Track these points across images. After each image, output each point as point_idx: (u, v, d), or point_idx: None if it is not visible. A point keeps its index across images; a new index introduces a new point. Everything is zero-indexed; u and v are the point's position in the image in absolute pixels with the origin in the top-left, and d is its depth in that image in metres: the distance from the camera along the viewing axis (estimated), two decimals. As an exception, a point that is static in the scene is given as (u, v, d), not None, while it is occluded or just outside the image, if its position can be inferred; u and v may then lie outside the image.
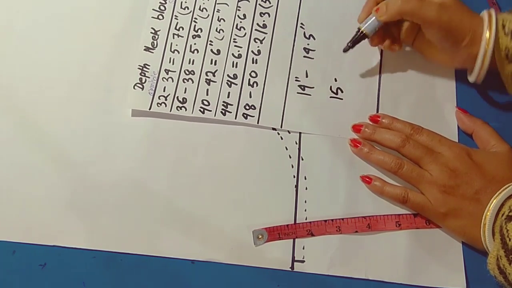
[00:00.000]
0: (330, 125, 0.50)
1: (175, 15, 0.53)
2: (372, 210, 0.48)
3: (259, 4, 0.54)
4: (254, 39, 0.53)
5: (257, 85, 0.51)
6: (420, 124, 0.49)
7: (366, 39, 0.50)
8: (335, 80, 0.52)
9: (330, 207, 0.48)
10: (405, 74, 0.53)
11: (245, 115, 0.50)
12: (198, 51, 0.52)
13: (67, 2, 0.53)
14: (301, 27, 0.54)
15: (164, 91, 0.50)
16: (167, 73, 0.51)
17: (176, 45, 0.52)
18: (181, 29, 0.53)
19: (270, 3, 0.54)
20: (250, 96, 0.51)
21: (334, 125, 0.50)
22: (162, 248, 0.45)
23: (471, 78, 0.49)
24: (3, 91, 0.49)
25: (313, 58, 0.53)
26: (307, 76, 0.52)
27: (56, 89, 0.50)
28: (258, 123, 0.50)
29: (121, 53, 0.51)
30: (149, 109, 0.49)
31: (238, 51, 0.52)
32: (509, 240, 0.40)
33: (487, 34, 0.46)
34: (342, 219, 0.47)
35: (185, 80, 0.51)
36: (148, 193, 0.47)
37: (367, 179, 0.48)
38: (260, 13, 0.54)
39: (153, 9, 0.53)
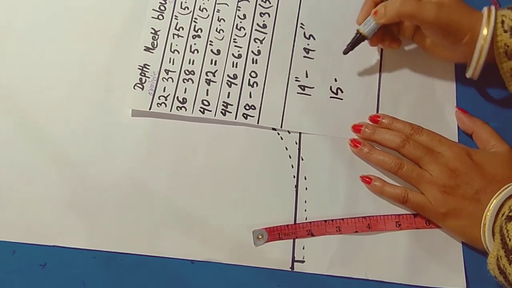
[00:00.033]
0: (330, 125, 0.50)
1: (175, 15, 0.53)
2: (372, 210, 0.48)
3: (259, 4, 0.54)
4: (254, 39, 0.53)
5: (257, 85, 0.51)
6: (420, 124, 0.49)
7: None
8: (335, 80, 0.52)
9: (330, 207, 0.48)
10: (405, 74, 0.53)
11: (245, 115, 0.50)
12: (198, 51, 0.52)
13: (68, 2, 0.53)
14: (301, 27, 0.54)
15: (164, 91, 0.50)
16: (167, 73, 0.51)
17: (176, 45, 0.52)
18: (181, 29, 0.53)
19: (270, 3, 0.54)
20: (250, 96, 0.51)
21: (334, 125, 0.50)
22: (162, 248, 0.45)
23: (468, 74, 0.49)
24: (3, 91, 0.49)
25: (313, 58, 0.53)
26: (307, 76, 0.52)
27: (56, 89, 0.50)
28: (258, 123, 0.50)
29: (121, 53, 0.51)
30: (149, 109, 0.49)
31: (238, 51, 0.52)
32: (509, 240, 0.40)
33: (485, 31, 0.46)
34: (342, 219, 0.47)
35: (185, 80, 0.51)
36: (148, 193, 0.47)
37: (367, 179, 0.48)
38: (260, 13, 0.54)
39: (153, 9, 0.53)
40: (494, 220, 0.43)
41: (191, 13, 0.53)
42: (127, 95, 0.50)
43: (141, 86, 0.50)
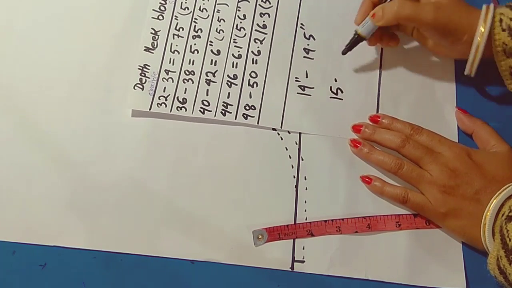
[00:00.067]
0: (330, 125, 0.50)
1: (175, 16, 0.53)
2: (372, 210, 0.48)
3: (259, 5, 0.54)
4: (254, 40, 0.53)
5: (257, 85, 0.51)
6: (420, 124, 0.49)
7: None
8: (335, 80, 0.52)
9: (330, 207, 0.48)
10: (405, 74, 0.53)
11: (245, 116, 0.50)
12: (198, 52, 0.52)
13: (68, 2, 0.53)
14: (301, 27, 0.54)
15: (164, 91, 0.50)
16: (167, 74, 0.51)
17: (176, 45, 0.52)
18: (181, 29, 0.53)
19: (270, 3, 0.54)
20: (250, 97, 0.51)
21: (334, 125, 0.50)
22: (162, 248, 0.45)
23: (465, 71, 0.49)
24: (3, 91, 0.49)
25: (313, 59, 0.53)
26: (307, 76, 0.52)
27: (56, 89, 0.50)
28: (258, 123, 0.50)
29: (121, 53, 0.51)
30: (149, 109, 0.49)
31: (238, 51, 0.52)
32: (509, 240, 0.40)
33: (482, 28, 0.46)
34: (342, 219, 0.47)
35: (185, 81, 0.51)
36: (148, 193, 0.47)
37: (367, 179, 0.48)
38: (260, 14, 0.54)
39: (153, 10, 0.53)
40: (494, 220, 0.43)
41: (191, 13, 0.53)
42: (127, 95, 0.50)
43: (141, 86, 0.50)
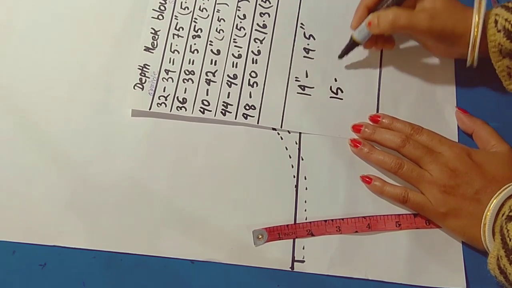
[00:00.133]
0: (330, 125, 0.50)
1: (175, 15, 0.53)
2: (372, 210, 0.48)
3: (259, 4, 0.54)
4: (254, 39, 0.53)
5: (257, 85, 0.51)
6: (420, 124, 0.49)
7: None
8: (335, 80, 0.52)
9: (330, 207, 0.48)
10: (405, 74, 0.53)
11: (245, 115, 0.50)
12: (198, 51, 0.52)
13: (68, 2, 0.53)
14: (301, 27, 0.54)
15: (164, 91, 0.50)
16: (167, 73, 0.51)
17: (176, 45, 0.52)
18: (181, 29, 0.53)
19: (270, 3, 0.54)
20: (250, 96, 0.51)
21: (334, 125, 0.50)
22: (162, 248, 0.45)
23: (467, 63, 0.49)
24: (3, 91, 0.49)
25: (313, 58, 0.53)
26: (307, 76, 0.52)
27: (56, 89, 0.50)
28: (258, 123, 0.50)
29: (121, 53, 0.51)
30: (149, 109, 0.49)
31: (238, 51, 0.52)
32: (510, 240, 0.40)
33: (476, 18, 0.46)
34: (342, 219, 0.47)
35: (185, 80, 0.51)
36: (148, 193, 0.47)
37: (367, 179, 0.48)
38: (260, 13, 0.54)
39: (153, 9, 0.53)
40: (494, 220, 0.43)
41: (191, 13, 0.53)
42: (127, 95, 0.50)
43: (141, 86, 0.50)
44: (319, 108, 0.51)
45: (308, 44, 0.53)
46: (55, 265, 0.44)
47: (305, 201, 0.48)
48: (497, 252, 0.42)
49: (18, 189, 0.46)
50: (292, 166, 0.49)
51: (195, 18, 0.53)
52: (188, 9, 0.53)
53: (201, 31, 0.53)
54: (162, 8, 0.53)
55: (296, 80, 0.52)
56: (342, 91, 0.52)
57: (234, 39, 0.53)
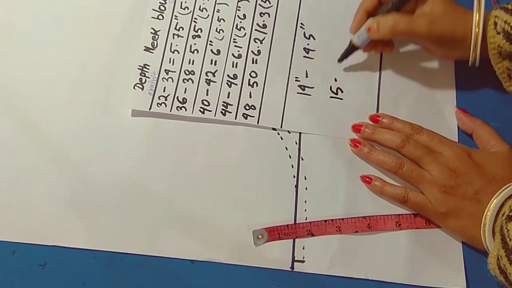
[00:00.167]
0: (330, 125, 0.50)
1: (175, 15, 0.53)
2: (372, 210, 0.48)
3: (259, 4, 0.54)
4: (254, 39, 0.53)
5: (257, 85, 0.51)
6: (420, 124, 0.49)
7: None
8: (335, 80, 0.52)
9: (330, 207, 0.48)
10: (405, 74, 0.53)
11: (245, 115, 0.50)
12: (198, 51, 0.52)
13: (67, 2, 0.53)
14: (301, 27, 0.54)
15: (164, 91, 0.50)
16: (167, 73, 0.51)
17: (176, 45, 0.52)
18: (181, 29, 0.53)
19: (270, 3, 0.54)
20: (250, 96, 0.51)
21: (334, 125, 0.50)
22: (162, 248, 0.45)
23: (469, 64, 0.49)
24: (3, 91, 0.49)
25: (313, 58, 0.53)
26: (307, 76, 0.52)
27: (56, 89, 0.50)
28: (258, 123, 0.50)
29: (121, 53, 0.51)
30: (149, 109, 0.49)
31: (238, 51, 0.52)
32: (510, 240, 0.40)
33: (476, 16, 0.46)
34: (342, 219, 0.47)
35: (185, 80, 0.51)
36: (148, 193, 0.47)
37: (367, 179, 0.48)
38: (260, 13, 0.54)
39: (153, 9, 0.53)
40: (494, 220, 0.43)
41: (191, 13, 0.53)
42: (127, 95, 0.50)
43: (141, 86, 0.50)
44: (319, 108, 0.51)
45: (308, 44, 0.53)
46: (55, 265, 0.44)
47: (305, 201, 0.48)
48: (497, 252, 0.42)
49: (18, 189, 0.46)
50: (292, 166, 0.49)
51: (195, 18, 0.53)
52: (188, 9, 0.53)
53: (201, 31, 0.53)
54: (162, 8, 0.53)
55: (296, 80, 0.52)
56: (342, 91, 0.52)
57: (234, 39, 0.53)
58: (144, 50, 0.51)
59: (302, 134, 0.50)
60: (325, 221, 0.47)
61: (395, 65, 0.53)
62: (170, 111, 0.49)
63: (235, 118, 0.50)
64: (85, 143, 0.48)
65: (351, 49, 0.51)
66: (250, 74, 0.52)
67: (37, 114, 0.49)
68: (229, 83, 0.51)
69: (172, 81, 0.50)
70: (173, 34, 0.52)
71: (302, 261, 0.46)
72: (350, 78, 0.52)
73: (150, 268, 0.45)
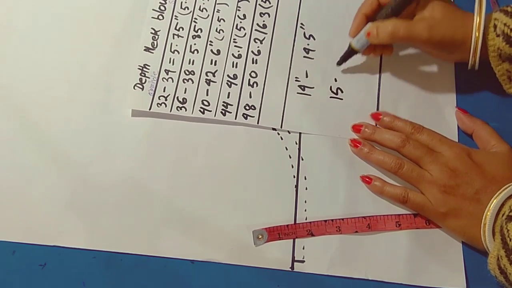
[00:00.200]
0: (330, 125, 0.50)
1: (175, 15, 0.53)
2: (372, 210, 0.48)
3: (259, 4, 0.54)
4: (254, 39, 0.53)
5: (257, 85, 0.51)
6: (420, 124, 0.49)
7: None
8: (335, 80, 0.52)
9: (330, 207, 0.48)
10: (405, 74, 0.53)
11: (245, 115, 0.50)
12: (198, 51, 0.52)
13: (67, 2, 0.53)
14: (301, 27, 0.54)
15: (164, 91, 0.50)
16: (167, 73, 0.51)
17: (176, 45, 0.52)
18: (181, 29, 0.53)
19: (270, 3, 0.54)
20: (250, 96, 0.51)
21: (334, 125, 0.50)
22: (162, 248, 0.45)
23: (469, 66, 0.49)
24: (3, 91, 0.49)
25: (313, 58, 0.53)
26: (307, 76, 0.52)
27: (56, 89, 0.50)
28: (258, 123, 0.50)
29: (121, 53, 0.51)
30: (149, 109, 0.49)
31: (238, 51, 0.52)
32: (510, 240, 0.40)
33: (477, 19, 0.46)
34: (342, 219, 0.47)
35: (185, 80, 0.51)
36: (148, 193, 0.47)
37: (367, 179, 0.48)
38: (260, 13, 0.54)
39: (153, 9, 0.53)
40: (495, 220, 0.43)
41: (191, 13, 0.53)
42: (127, 95, 0.50)
43: (141, 86, 0.50)
44: (319, 108, 0.51)
45: (308, 44, 0.53)
46: (55, 265, 0.44)
47: (305, 201, 0.48)
48: (497, 252, 0.42)
49: (18, 189, 0.46)
50: (292, 166, 0.49)
51: (195, 18, 0.53)
52: (188, 9, 0.54)
53: (201, 31, 0.53)
54: (162, 8, 0.53)
55: (296, 80, 0.52)
56: (342, 91, 0.52)
57: (234, 39, 0.53)
58: (144, 50, 0.51)
59: (302, 134, 0.50)
60: (325, 221, 0.47)
61: (395, 65, 0.53)
62: (170, 111, 0.49)
63: (235, 118, 0.50)
64: (85, 143, 0.48)
65: (350, 52, 0.51)
66: (250, 74, 0.52)
67: (37, 114, 0.49)
68: (229, 83, 0.51)
69: (172, 81, 0.51)
70: (173, 34, 0.52)
71: (302, 261, 0.46)
72: (350, 78, 0.52)
73: (150, 268, 0.45)
